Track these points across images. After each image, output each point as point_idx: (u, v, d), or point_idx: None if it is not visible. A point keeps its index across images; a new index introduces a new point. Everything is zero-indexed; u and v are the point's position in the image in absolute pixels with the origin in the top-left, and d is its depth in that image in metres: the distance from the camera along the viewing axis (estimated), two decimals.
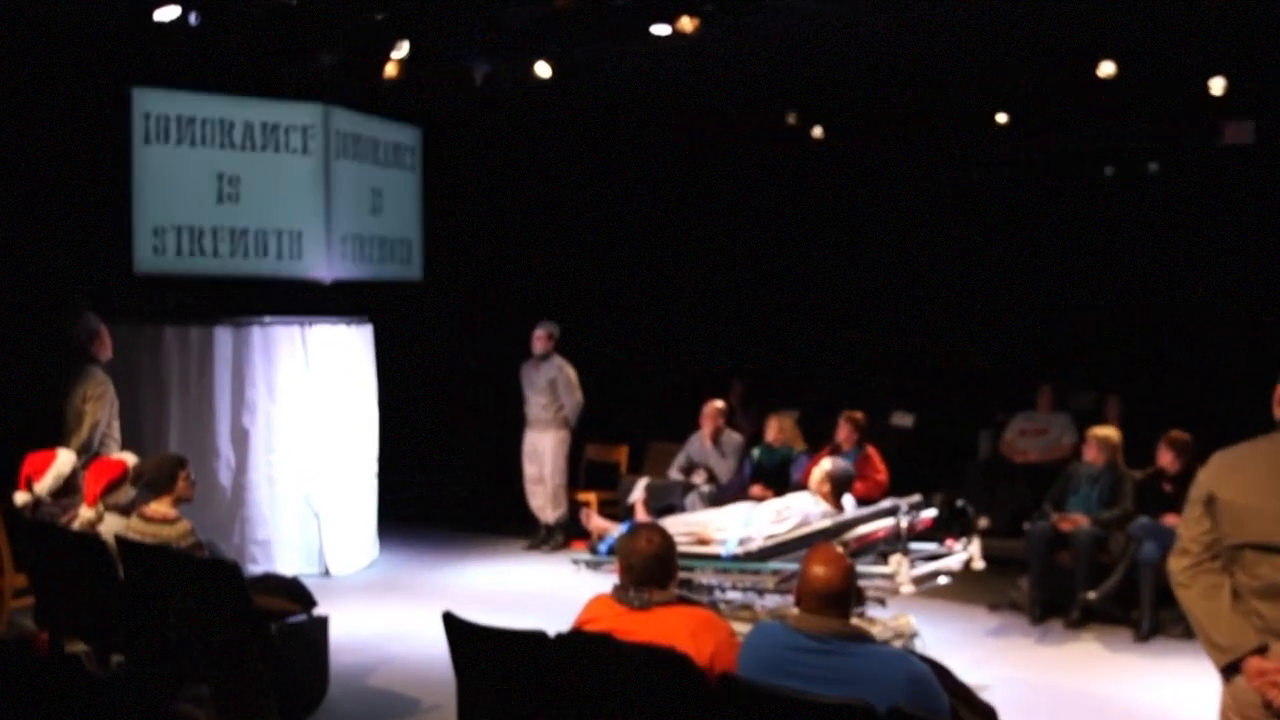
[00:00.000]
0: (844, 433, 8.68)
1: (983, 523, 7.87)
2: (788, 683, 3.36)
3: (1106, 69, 8.59)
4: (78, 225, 8.50)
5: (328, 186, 9.17)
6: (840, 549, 3.95)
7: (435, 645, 4.32)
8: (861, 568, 5.70)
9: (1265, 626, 3.32)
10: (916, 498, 6.76)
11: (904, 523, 6.42)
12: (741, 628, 4.19)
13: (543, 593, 8.33)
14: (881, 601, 6.46)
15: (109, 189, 8.53)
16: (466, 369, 11.73)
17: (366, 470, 9.46)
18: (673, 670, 3.53)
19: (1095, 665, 6.90)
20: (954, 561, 6.45)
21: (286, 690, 5.25)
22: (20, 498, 6.15)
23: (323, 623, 5.88)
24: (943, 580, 6.46)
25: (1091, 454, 8.06)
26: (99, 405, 7.26)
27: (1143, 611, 7.35)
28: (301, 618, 5.77)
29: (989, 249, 12.02)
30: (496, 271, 11.93)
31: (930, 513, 6.75)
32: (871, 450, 8.61)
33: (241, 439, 8.77)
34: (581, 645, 3.76)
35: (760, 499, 7.69)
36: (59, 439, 6.95)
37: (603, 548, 6.57)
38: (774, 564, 6.23)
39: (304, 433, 8.95)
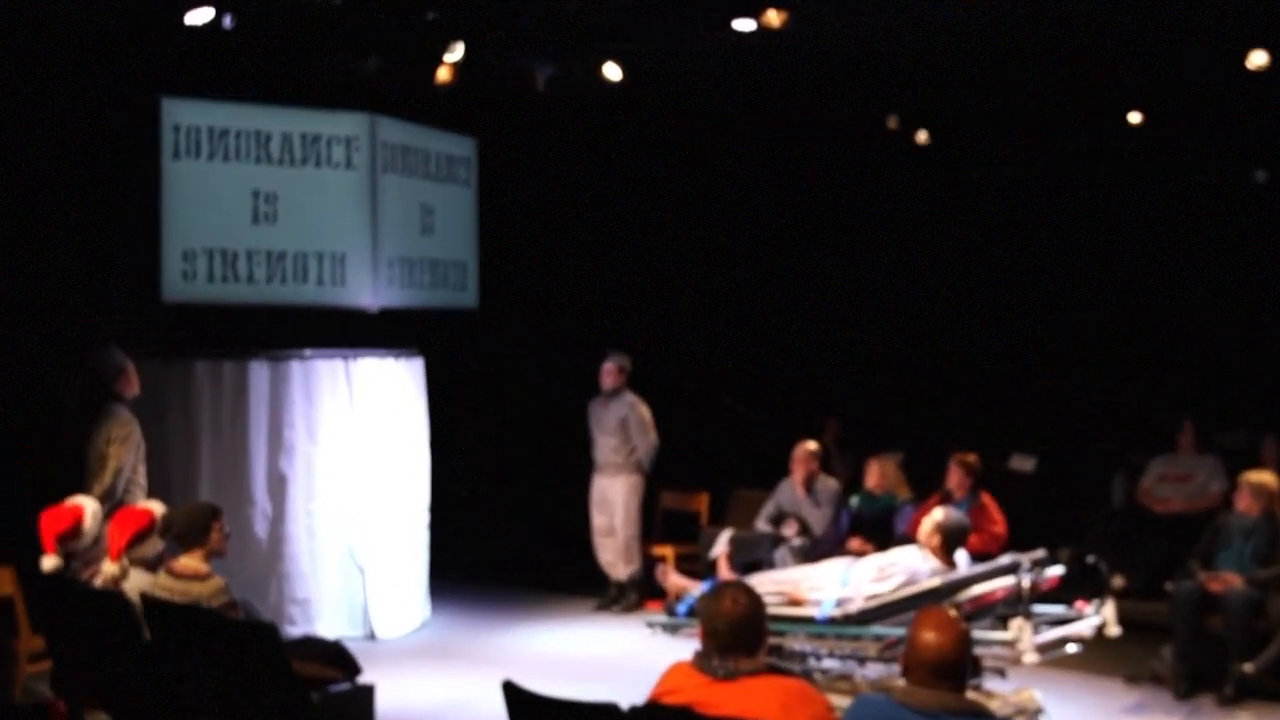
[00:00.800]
0: (955, 478, 8.62)
1: (1118, 582, 7.81)
2: None
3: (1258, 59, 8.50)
4: (100, 249, 8.68)
5: (374, 204, 9.30)
6: (953, 612, 3.93)
7: (494, 718, 4.33)
8: (977, 633, 5.64)
9: None
10: (1040, 553, 6.69)
11: (1026, 582, 6.35)
12: (840, 701, 4.19)
13: (614, 659, 8.34)
14: (1001, 672, 6.40)
15: (134, 208, 8.69)
16: (527, 407, 11.78)
17: (417, 521, 9.53)
18: None
19: None
20: (1085, 627, 6.40)
21: None
22: (49, 562, 5.94)
23: (368, 692, 5.93)
24: (1071, 648, 6.41)
25: (1245, 503, 7.94)
26: (124, 448, 7.36)
27: None
28: (345, 686, 5.83)
29: (1121, 265, 11.85)
30: (560, 298, 11.98)
31: (1056, 570, 6.68)
32: (987, 498, 8.54)
33: (279, 486, 8.86)
34: None
35: (860, 554, 7.71)
36: (76, 485, 6.96)
37: (682, 609, 6.60)
38: (876, 628, 6.21)
39: (348, 479, 9.03)
